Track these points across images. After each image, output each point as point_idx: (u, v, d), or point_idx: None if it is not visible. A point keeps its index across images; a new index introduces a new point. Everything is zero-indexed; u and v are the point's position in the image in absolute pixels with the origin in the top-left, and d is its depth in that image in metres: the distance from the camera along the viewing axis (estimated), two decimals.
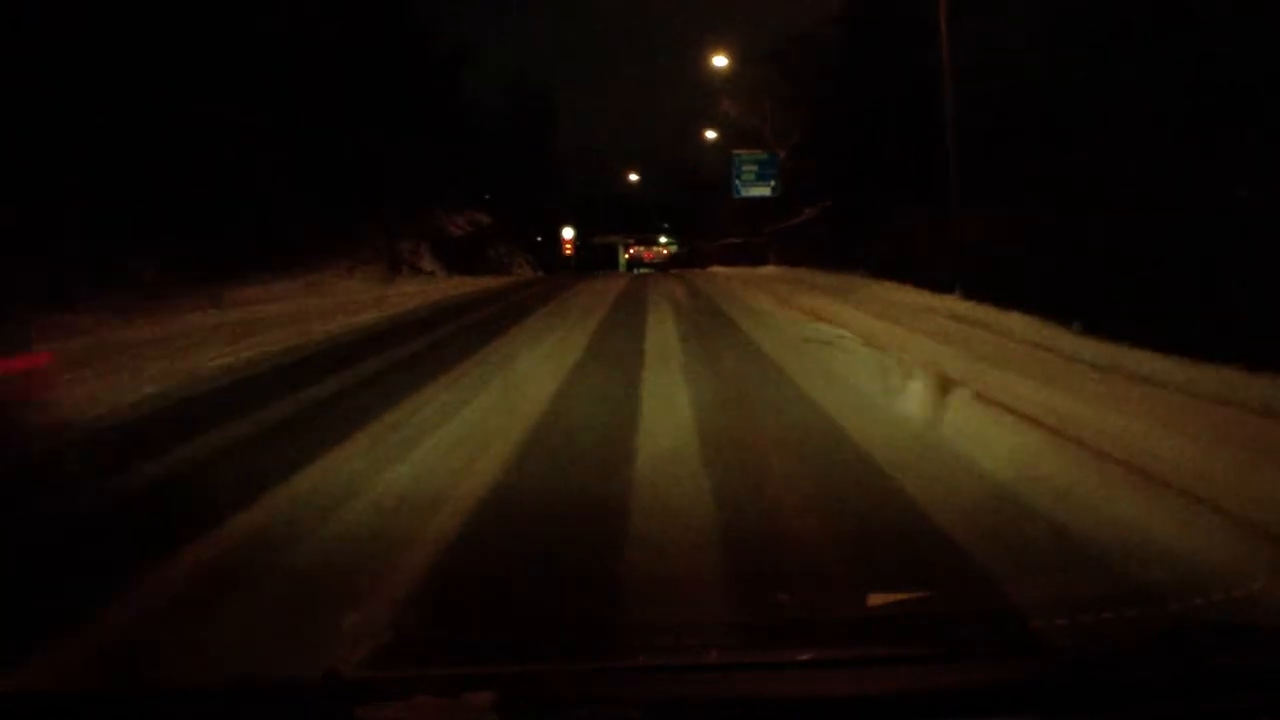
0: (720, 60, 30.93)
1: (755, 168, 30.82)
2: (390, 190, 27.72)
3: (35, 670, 2.43)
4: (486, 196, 40.95)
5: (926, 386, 6.06)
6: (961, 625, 1.93)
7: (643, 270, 41.78)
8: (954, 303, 12.25)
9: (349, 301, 17.40)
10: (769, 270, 27.81)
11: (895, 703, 1.37)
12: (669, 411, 6.38)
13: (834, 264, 22.16)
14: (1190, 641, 1.58)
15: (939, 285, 13.57)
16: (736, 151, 31.09)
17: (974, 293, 12.41)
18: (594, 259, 68.70)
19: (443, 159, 33.50)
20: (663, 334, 11.44)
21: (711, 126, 46.27)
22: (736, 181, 30.93)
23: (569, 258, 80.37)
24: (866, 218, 21.14)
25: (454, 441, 5.59)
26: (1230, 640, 1.59)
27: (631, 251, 46.45)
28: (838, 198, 24.19)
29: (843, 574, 3.38)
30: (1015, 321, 9.99)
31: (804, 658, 1.63)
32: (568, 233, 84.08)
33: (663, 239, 78.52)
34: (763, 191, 30.85)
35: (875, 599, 2.27)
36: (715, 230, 53.23)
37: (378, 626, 2.56)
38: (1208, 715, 1.36)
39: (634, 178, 73.18)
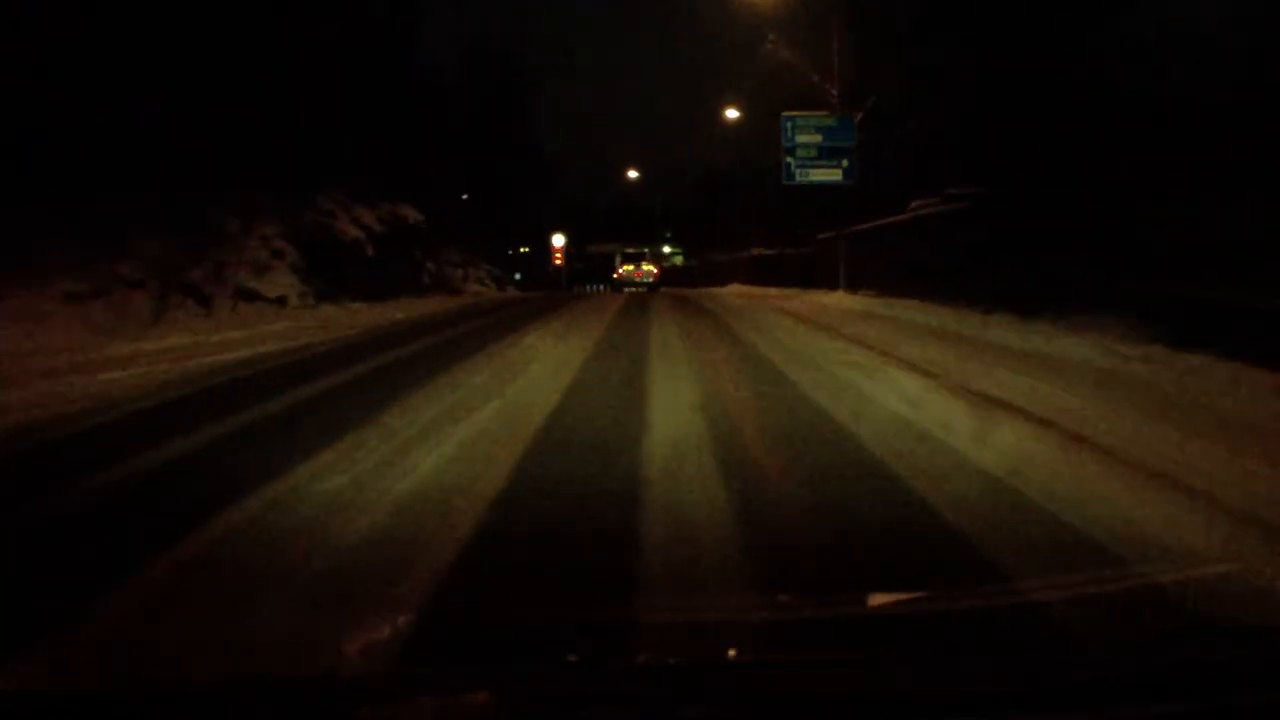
0: None
1: (817, 139, 19.81)
2: (237, 170, 16.66)
3: None
4: (435, 185, 30.03)
5: None
6: (961, 625, 1.87)
7: (634, 289, 34.55)
8: None
9: None
10: (847, 302, 16.77)
11: (895, 703, 1.34)
12: None
13: (1001, 299, 11.21)
14: (1191, 641, 1.56)
15: None
16: (789, 114, 20.05)
17: None
18: (590, 271, 59.51)
19: (350, 130, 22.40)
20: None
21: (734, 104, 35.77)
22: (788, 161, 19.94)
23: (559, 269, 70.38)
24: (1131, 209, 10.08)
25: None
26: (1231, 640, 1.57)
27: (621, 271, 39.09)
28: (1003, 181, 13.12)
29: None
30: None
31: (804, 658, 1.61)
32: (558, 240, 74.06)
33: (666, 249, 68.04)
34: (830, 176, 19.87)
35: (875, 599, 2.27)
36: (735, 239, 42.67)
37: None
38: (1208, 715, 1.32)
39: (633, 175, 62.23)
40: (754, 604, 2.66)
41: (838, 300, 17.44)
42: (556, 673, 1.47)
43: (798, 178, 19.75)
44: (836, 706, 1.33)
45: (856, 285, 18.89)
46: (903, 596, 2.26)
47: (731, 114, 36.97)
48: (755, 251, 34.58)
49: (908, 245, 16.10)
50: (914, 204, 16.46)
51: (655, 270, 38.71)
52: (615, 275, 38.71)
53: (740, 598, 2.83)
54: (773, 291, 24.20)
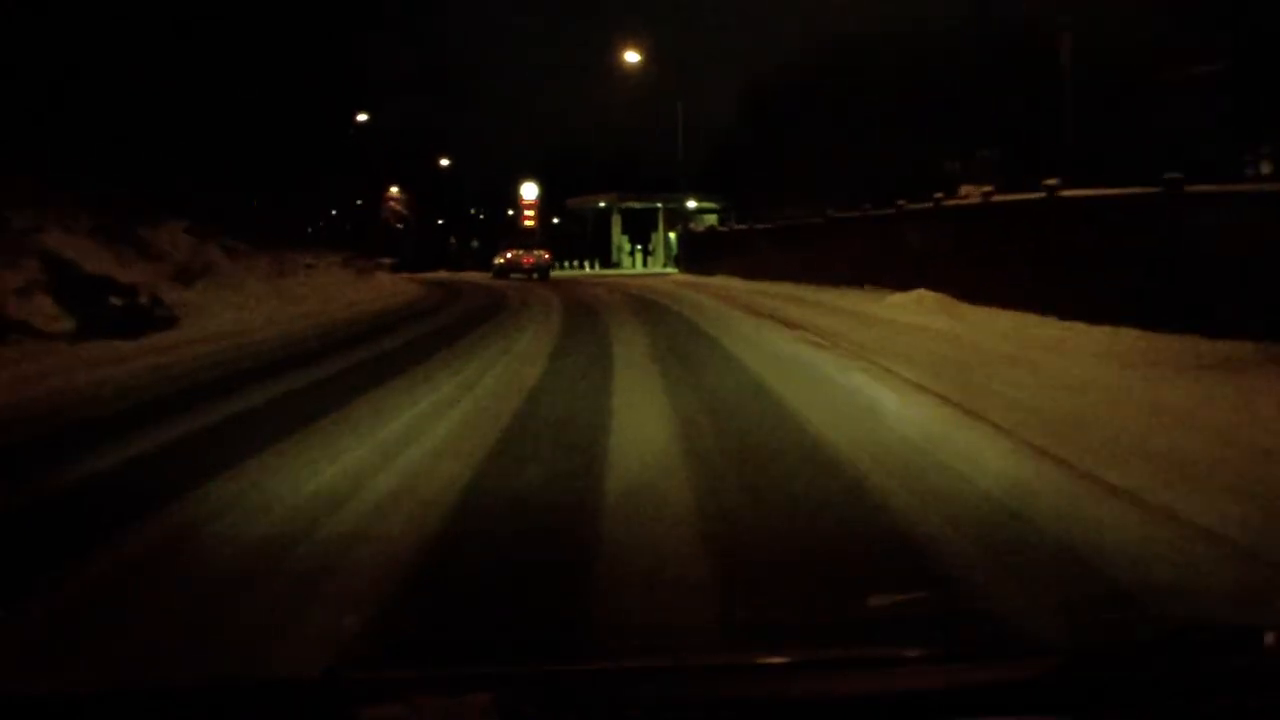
0: None
1: None
2: None
3: None
4: None
5: None
6: (961, 625, 1.90)
7: (520, 275, 31.73)
8: None
9: None
10: None
11: (895, 703, 1.33)
12: None
13: None
14: (1190, 641, 1.54)
15: None
16: None
17: None
18: (571, 246, 40.58)
19: None
20: None
21: None
22: None
23: (532, 234, 48.95)
24: None
25: None
26: (1230, 640, 1.55)
27: (509, 256, 34.38)
28: None
29: None
30: None
31: (802, 658, 1.58)
32: (529, 192, 52.87)
33: (691, 204, 46.52)
34: None
35: (875, 599, 2.31)
36: (844, 183, 22.56)
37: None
38: (1208, 716, 1.31)
39: (634, 58, 40.14)
40: (752, 603, 2.70)
41: None
42: (556, 672, 1.47)
43: None
44: (835, 706, 1.33)
45: None
46: (901, 597, 2.24)
47: None
48: (965, 194, 14.40)
49: None
50: None
51: (547, 255, 35.55)
52: (497, 262, 34.97)
53: (738, 596, 2.92)
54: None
